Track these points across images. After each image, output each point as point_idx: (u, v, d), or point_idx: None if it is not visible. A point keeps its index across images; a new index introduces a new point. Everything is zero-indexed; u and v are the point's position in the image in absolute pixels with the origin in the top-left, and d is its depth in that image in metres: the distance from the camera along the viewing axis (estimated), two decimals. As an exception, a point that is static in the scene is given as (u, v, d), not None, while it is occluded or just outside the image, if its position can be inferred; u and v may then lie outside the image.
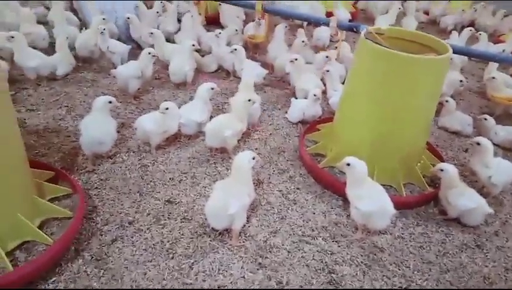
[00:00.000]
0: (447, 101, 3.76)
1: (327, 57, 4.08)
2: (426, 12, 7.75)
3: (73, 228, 2.22)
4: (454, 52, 2.90)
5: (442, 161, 3.15)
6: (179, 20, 5.26)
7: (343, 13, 6.34)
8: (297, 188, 2.89)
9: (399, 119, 2.74)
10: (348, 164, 2.40)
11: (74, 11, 5.25)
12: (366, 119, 2.85)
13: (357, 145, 2.87)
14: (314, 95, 3.45)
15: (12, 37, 3.67)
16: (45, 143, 3.10)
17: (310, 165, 3.03)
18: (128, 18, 4.71)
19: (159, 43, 4.32)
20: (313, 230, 2.52)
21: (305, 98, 3.68)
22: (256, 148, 3.31)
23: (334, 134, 3.15)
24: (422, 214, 2.77)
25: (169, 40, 4.81)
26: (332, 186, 2.86)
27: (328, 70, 3.76)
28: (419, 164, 3.03)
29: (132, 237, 2.36)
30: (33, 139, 3.12)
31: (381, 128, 2.79)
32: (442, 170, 2.66)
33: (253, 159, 2.38)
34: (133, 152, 3.12)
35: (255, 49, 5.21)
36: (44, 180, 2.55)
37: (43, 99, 3.71)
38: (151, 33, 4.29)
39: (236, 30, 5.00)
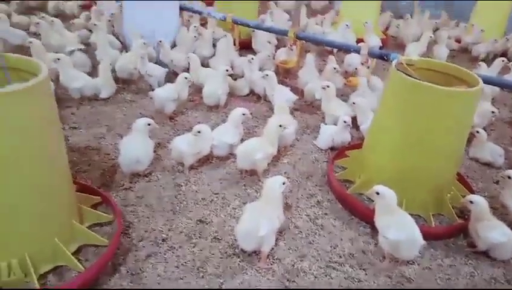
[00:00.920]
0: (478, 132, 3.75)
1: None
2: (458, 40, 7.73)
3: (104, 259, 2.26)
4: (485, 83, 2.92)
5: (473, 192, 3.14)
6: (214, 45, 5.46)
7: (374, 40, 6.42)
8: (325, 214, 2.94)
9: (428, 150, 2.77)
10: (378, 193, 2.44)
11: (116, 34, 5.56)
12: (395, 148, 2.89)
13: (386, 174, 2.91)
14: (345, 122, 3.52)
15: (59, 59, 3.94)
16: (86, 160, 3.28)
17: (338, 191, 3.08)
18: (160, 41, 4.90)
19: (195, 67, 4.51)
20: (340, 257, 2.55)
21: (335, 124, 3.75)
22: (285, 172, 3.39)
23: (363, 161, 3.20)
24: (451, 245, 2.76)
25: (203, 64, 5.01)
26: (361, 213, 2.89)
27: (354, 103, 3.81)
28: (449, 195, 3.02)
29: (165, 254, 2.47)
30: (75, 156, 3.31)
31: (410, 157, 2.83)
32: (472, 202, 2.66)
33: (284, 184, 2.46)
34: (168, 171, 3.26)
35: (285, 74, 5.34)
36: (89, 205, 2.67)
37: (85, 117, 3.93)
38: (189, 57, 4.47)
39: (268, 56, 5.15)
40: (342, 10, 7.69)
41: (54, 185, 2.22)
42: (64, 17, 6.71)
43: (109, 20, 5.55)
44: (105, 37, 4.92)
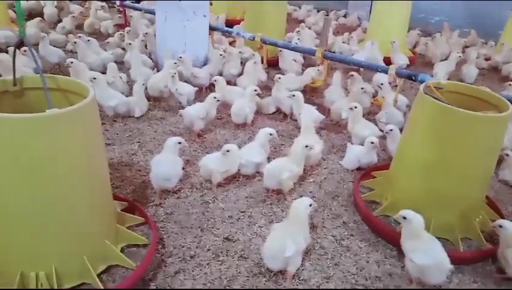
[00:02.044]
0: (507, 155, 3.69)
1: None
2: (488, 59, 7.62)
3: (151, 254, 2.48)
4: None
5: (502, 216, 3.09)
6: (242, 63, 5.58)
7: (401, 59, 6.41)
8: (351, 235, 2.95)
9: (457, 173, 2.76)
10: (404, 217, 2.45)
11: (148, 53, 5.77)
12: (422, 171, 2.89)
13: (413, 196, 2.91)
14: (372, 143, 3.53)
15: (95, 78, 4.13)
16: (119, 176, 3.41)
17: (364, 212, 3.09)
18: (180, 57, 5.00)
19: (221, 86, 4.61)
20: (366, 279, 2.56)
21: (361, 144, 3.77)
22: (310, 191, 3.42)
23: (390, 183, 3.20)
24: (479, 270, 2.71)
25: (231, 82, 5.16)
26: (387, 236, 2.89)
27: (391, 130, 3.76)
28: (478, 219, 2.98)
29: (193, 271, 2.53)
30: (109, 172, 3.43)
31: (438, 181, 2.82)
32: (501, 226, 2.62)
33: (310, 205, 2.50)
34: (196, 188, 3.35)
35: (312, 93, 5.40)
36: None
37: (117, 134, 4.09)
38: (215, 80, 4.58)
39: (295, 75, 5.24)
40: (369, 28, 7.73)
41: (98, 199, 2.35)
42: (99, 35, 7.02)
43: (142, 40, 5.76)
44: (139, 56, 5.11)
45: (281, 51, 5.86)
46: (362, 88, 4.51)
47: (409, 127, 3.08)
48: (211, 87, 4.94)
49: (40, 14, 7.59)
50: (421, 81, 4.07)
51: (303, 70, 5.93)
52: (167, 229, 2.87)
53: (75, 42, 5.17)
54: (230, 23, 8.12)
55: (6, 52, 5.42)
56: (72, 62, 4.46)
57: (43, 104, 2.20)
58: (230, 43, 6.68)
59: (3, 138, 1.93)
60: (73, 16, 7.20)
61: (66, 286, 2.27)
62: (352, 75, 5.02)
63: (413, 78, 4.28)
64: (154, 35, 5.77)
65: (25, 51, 4.81)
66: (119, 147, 3.85)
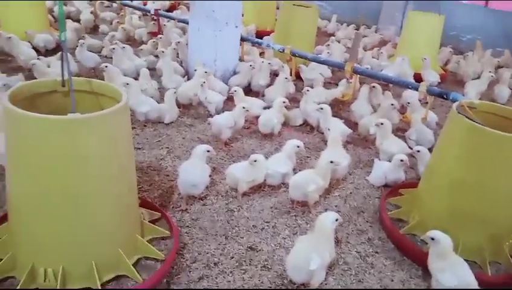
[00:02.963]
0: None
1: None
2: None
3: (161, 273, 2.44)
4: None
5: (534, 242, 2.99)
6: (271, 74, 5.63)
7: (432, 76, 6.34)
8: (376, 252, 2.92)
9: (487, 195, 2.71)
10: (433, 238, 2.41)
11: (180, 61, 5.90)
12: (451, 191, 2.85)
13: (441, 216, 2.87)
14: (401, 161, 3.49)
15: (128, 84, 4.25)
16: (148, 180, 3.49)
17: (390, 229, 3.06)
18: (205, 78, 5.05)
19: (240, 97, 4.61)
20: (390, 298, 2.53)
21: (389, 160, 3.74)
22: (336, 205, 3.41)
23: (418, 201, 3.16)
24: (508, 296, 2.64)
25: (258, 93, 5.22)
26: (413, 255, 2.85)
27: (418, 151, 3.69)
28: (507, 243, 2.90)
29: (216, 278, 2.56)
30: (138, 175, 3.52)
31: (468, 202, 2.77)
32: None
33: (336, 220, 2.50)
34: (222, 196, 3.38)
35: (340, 106, 5.39)
36: (149, 220, 2.85)
37: (147, 139, 4.18)
38: (235, 91, 4.61)
39: (323, 88, 5.25)
40: (400, 43, 7.68)
41: (126, 199, 2.42)
42: (133, 42, 7.22)
43: (174, 48, 5.89)
44: (171, 64, 5.23)
45: (309, 62, 5.89)
46: (392, 104, 4.47)
47: (440, 145, 3.04)
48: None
49: (77, 20, 7.89)
50: (453, 100, 4.02)
51: (330, 83, 5.97)
52: (192, 235, 2.91)
53: (114, 48, 5.33)
54: (260, 34, 8.20)
55: (45, 55, 5.66)
56: (106, 66, 4.60)
57: (86, 105, 2.30)
58: (260, 54, 6.74)
59: (39, 137, 2.02)
60: (111, 23, 7.46)
61: (104, 279, 2.35)
62: (374, 87, 5.00)
63: (445, 96, 4.23)
64: (186, 44, 5.89)
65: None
66: (148, 152, 3.94)
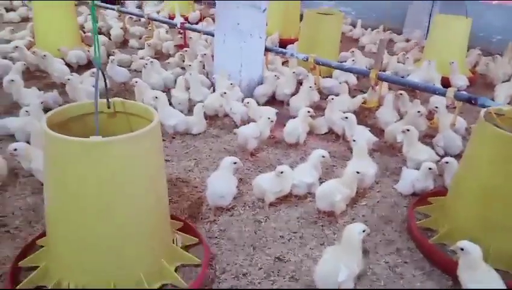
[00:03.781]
0: None
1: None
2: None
3: (203, 276, 2.55)
4: None
5: None
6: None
7: (460, 80, 6.22)
8: (405, 262, 2.90)
9: (518, 204, 2.66)
10: (462, 249, 2.39)
11: (206, 73, 6.03)
12: (481, 199, 2.80)
13: (471, 225, 2.82)
14: (430, 169, 3.45)
15: (157, 97, 4.39)
16: (177, 191, 3.58)
17: (419, 239, 3.03)
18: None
19: (253, 109, 4.66)
20: (420, 309, 2.51)
21: (417, 168, 3.70)
22: (363, 215, 3.40)
23: (447, 210, 3.12)
24: (544, 308, 2.57)
25: (283, 102, 5.27)
26: (443, 265, 2.81)
27: (447, 162, 3.59)
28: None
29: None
30: (168, 187, 3.61)
31: (498, 210, 2.72)
32: None
33: (364, 231, 2.50)
34: (249, 207, 3.44)
35: (365, 114, 5.37)
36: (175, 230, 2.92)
37: (176, 151, 4.29)
38: (247, 102, 4.65)
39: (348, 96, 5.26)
40: (426, 47, 7.57)
41: (157, 218, 2.50)
42: (161, 55, 7.41)
43: (200, 61, 6.02)
44: (197, 77, 5.35)
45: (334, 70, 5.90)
46: (419, 111, 4.42)
47: (469, 153, 3.00)
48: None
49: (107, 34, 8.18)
50: (482, 106, 3.95)
51: (355, 90, 5.96)
52: (221, 246, 2.97)
53: (146, 64, 5.51)
54: (284, 43, 8.27)
55: (77, 71, 5.91)
56: (136, 82, 4.77)
57: (120, 125, 2.41)
58: (283, 63, 6.80)
59: (72, 157, 2.13)
60: (140, 38, 7.68)
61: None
62: (401, 94, 4.95)
63: (473, 101, 4.15)
64: (212, 56, 6.02)
65: (93, 72, 5.20)
66: (177, 163, 4.04)
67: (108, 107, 2.58)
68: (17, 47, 6.00)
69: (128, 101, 2.64)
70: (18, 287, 2.37)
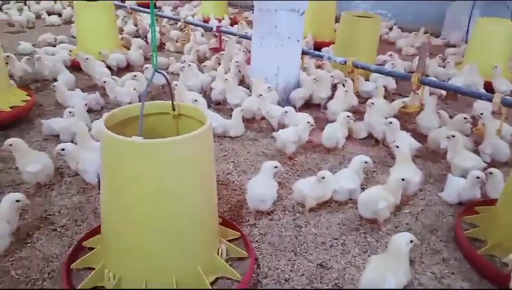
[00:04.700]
0: None
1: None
2: None
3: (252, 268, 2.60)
4: None
5: None
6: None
7: (504, 84, 5.97)
8: (452, 273, 2.80)
9: None
10: (517, 262, 2.28)
11: (243, 77, 6.05)
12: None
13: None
14: (478, 178, 3.32)
15: (196, 100, 4.44)
16: (217, 194, 3.59)
17: (467, 250, 2.92)
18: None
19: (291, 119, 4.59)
20: (471, 323, 2.41)
21: (463, 176, 3.57)
22: (407, 223, 3.31)
23: (497, 220, 2.99)
24: None
25: (319, 105, 5.22)
26: (492, 277, 2.70)
27: (491, 173, 3.43)
28: None
29: (288, 295, 2.58)
30: (208, 190, 3.65)
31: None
32: None
33: (411, 242, 2.42)
34: (288, 211, 3.41)
35: (405, 118, 5.24)
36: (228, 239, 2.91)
37: (214, 153, 4.30)
38: (286, 112, 4.57)
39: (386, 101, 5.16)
40: (467, 50, 7.34)
41: (207, 217, 2.53)
42: (197, 58, 7.49)
43: (237, 65, 6.03)
44: (234, 80, 5.37)
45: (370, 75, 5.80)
46: (465, 118, 4.27)
47: (522, 162, 2.87)
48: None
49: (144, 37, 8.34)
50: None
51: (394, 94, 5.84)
52: (262, 250, 2.96)
53: (184, 67, 5.59)
54: (318, 46, 8.19)
55: (117, 73, 6.05)
56: (176, 85, 4.84)
57: (173, 127, 2.51)
58: (318, 66, 6.73)
59: (126, 157, 2.18)
60: (177, 41, 7.80)
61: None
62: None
63: (522, 107, 3.98)
64: (248, 59, 6.03)
65: (135, 76, 5.30)
66: (216, 166, 4.03)
67: (174, 110, 2.65)
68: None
69: (181, 103, 2.69)
70: (80, 286, 2.42)
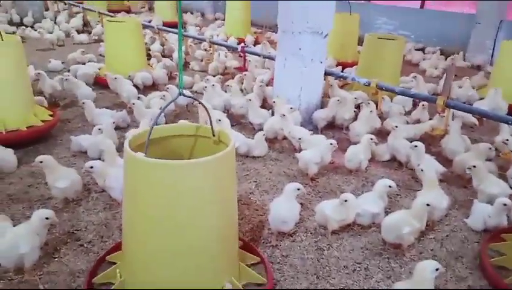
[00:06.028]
0: None
1: None
2: None
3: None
4: None
5: None
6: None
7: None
8: (479, 302, 2.74)
9: None
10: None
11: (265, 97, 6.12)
12: None
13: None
14: (504, 205, 3.26)
15: (220, 120, 4.51)
16: (239, 214, 3.58)
17: (494, 278, 2.85)
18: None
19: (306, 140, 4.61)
20: None
21: (489, 202, 3.50)
22: (431, 249, 3.26)
23: (525, 249, 2.92)
24: None
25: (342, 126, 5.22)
26: (522, 309, 2.62)
27: None
28: None
29: (310, 319, 2.56)
30: (230, 210, 3.68)
31: None
32: None
33: (437, 270, 2.39)
34: (310, 233, 3.40)
35: (430, 141, 5.19)
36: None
37: (237, 172, 4.30)
38: (300, 138, 4.59)
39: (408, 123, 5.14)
40: (493, 73, 7.25)
41: (228, 236, 2.55)
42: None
43: (260, 85, 6.11)
44: (257, 100, 5.44)
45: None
46: (490, 148, 4.21)
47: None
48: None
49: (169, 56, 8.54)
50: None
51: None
52: (283, 272, 2.95)
53: (206, 86, 5.70)
54: (340, 66, 8.21)
55: (143, 91, 6.21)
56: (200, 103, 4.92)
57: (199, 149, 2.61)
58: (341, 87, 6.74)
59: (149, 178, 2.24)
60: (201, 60, 7.99)
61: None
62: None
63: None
64: (271, 79, 6.10)
65: (163, 96, 5.42)
66: (238, 185, 4.09)
67: (213, 135, 2.68)
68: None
69: (204, 126, 2.76)
70: None
